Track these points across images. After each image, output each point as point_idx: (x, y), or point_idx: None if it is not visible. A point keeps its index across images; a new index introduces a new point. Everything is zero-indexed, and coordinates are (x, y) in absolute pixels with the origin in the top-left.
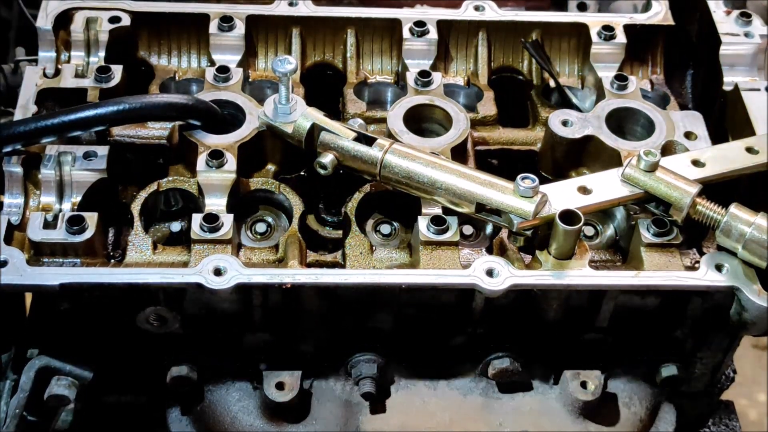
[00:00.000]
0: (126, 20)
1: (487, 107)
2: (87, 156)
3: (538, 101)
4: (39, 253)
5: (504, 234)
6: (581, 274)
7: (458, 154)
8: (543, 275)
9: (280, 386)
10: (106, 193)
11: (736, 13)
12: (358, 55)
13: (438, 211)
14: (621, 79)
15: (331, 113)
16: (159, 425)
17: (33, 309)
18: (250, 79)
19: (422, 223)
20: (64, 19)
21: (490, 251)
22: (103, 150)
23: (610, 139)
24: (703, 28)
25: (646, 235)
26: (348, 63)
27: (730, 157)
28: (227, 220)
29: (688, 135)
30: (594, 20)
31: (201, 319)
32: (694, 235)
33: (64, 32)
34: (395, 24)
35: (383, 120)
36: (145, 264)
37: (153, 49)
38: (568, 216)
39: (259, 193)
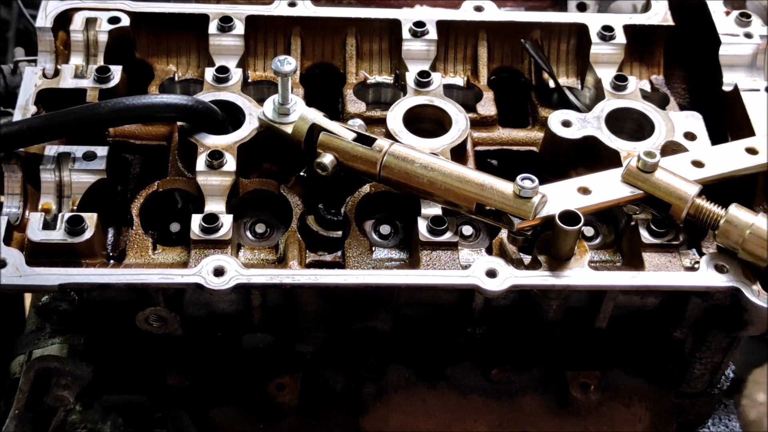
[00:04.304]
0: (125, 21)
1: (487, 107)
2: (86, 156)
3: (537, 101)
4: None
5: (503, 234)
6: (581, 274)
7: (458, 154)
8: (543, 276)
9: (280, 387)
10: (105, 194)
11: (735, 13)
12: (358, 56)
13: (437, 211)
14: (621, 80)
15: (330, 114)
16: (159, 425)
17: None
18: (249, 80)
19: (422, 223)
20: (63, 20)
21: (489, 252)
22: (102, 150)
23: (609, 140)
24: (703, 28)
25: (646, 235)
26: (348, 63)
27: (730, 158)
28: (227, 220)
29: (688, 135)
30: (594, 20)
31: (201, 320)
32: (694, 235)
33: (63, 33)
34: (395, 24)
35: (383, 120)
36: (144, 264)
37: (152, 49)
38: (568, 216)
39: (258, 193)
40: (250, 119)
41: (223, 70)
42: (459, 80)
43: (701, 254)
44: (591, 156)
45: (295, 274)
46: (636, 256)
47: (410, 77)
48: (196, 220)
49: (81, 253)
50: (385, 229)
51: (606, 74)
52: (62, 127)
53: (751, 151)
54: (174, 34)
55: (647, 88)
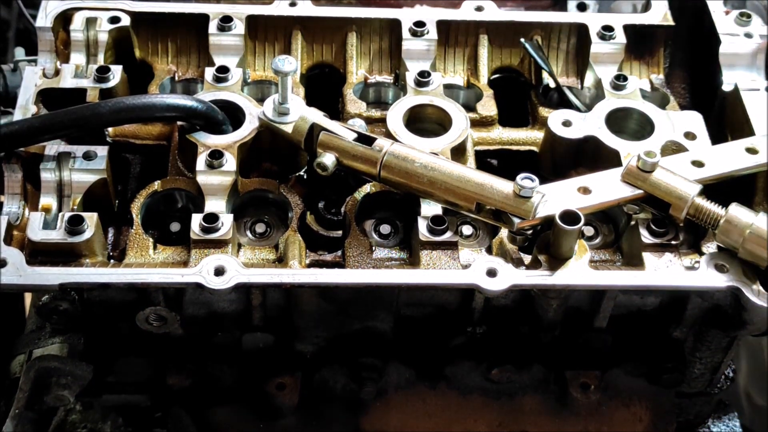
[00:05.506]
0: (125, 20)
1: (487, 107)
2: (87, 156)
3: (537, 101)
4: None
5: (504, 234)
6: (581, 274)
7: (458, 154)
8: (542, 275)
9: (280, 387)
10: (105, 193)
11: (735, 13)
12: (358, 55)
13: (438, 211)
14: (621, 79)
15: (330, 113)
16: (159, 425)
17: None
18: (249, 79)
19: (422, 223)
20: (63, 20)
21: (489, 251)
22: (102, 150)
23: (610, 139)
24: (703, 28)
25: (646, 235)
26: (348, 63)
27: (730, 157)
28: (227, 220)
29: (688, 135)
30: (594, 20)
31: (201, 320)
32: (694, 235)
33: (63, 32)
34: (395, 24)
35: (383, 120)
36: (144, 264)
37: (153, 49)
38: (568, 216)
39: (258, 193)
40: (250, 119)
41: (223, 69)
42: (459, 80)
43: (701, 254)
44: (591, 156)
45: (295, 274)
46: (636, 256)
47: (410, 77)
48: (196, 219)
49: (81, 252)
50: (385, 228)
51: (606, 74)
52: (62, 127)
53: (751, 151)
54: (174, 34)
55: (647, 87)
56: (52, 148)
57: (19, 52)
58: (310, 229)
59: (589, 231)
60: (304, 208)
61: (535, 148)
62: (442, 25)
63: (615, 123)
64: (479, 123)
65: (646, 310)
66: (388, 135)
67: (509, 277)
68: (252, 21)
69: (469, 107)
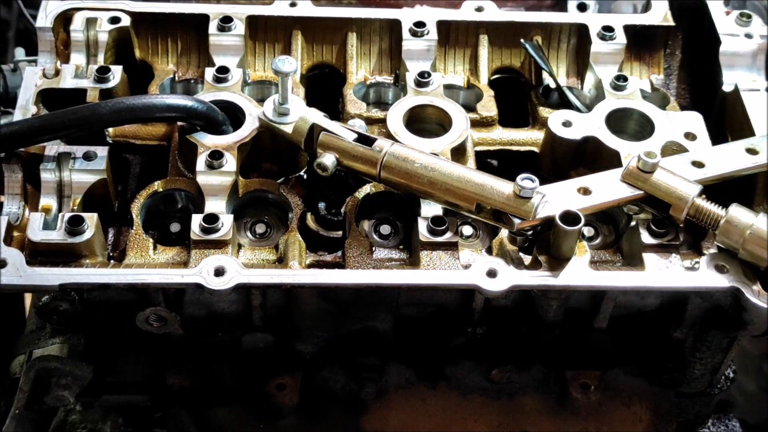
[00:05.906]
0: (126, 21)
1: (487, 107)
2: (87, 156)
3: (537, 101)
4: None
5: (504, 234)
6: (581, 274)
7: (458, 154)
8: (543, 276)
9: (280, 387)
10: (105, 194)
11: (736, 13)
12: (358, 56)
13: (438, 211)
14: (621, 80)
15: (331, 114)
16: (159, 425)
17: None
18: (249, 80)
19: (422, 223)
20: (63, 20)
21: (489, 252)
22: (102, 150)
23: (610, 140)
24: (703, 28)
25: (646, 235)
26: (348, 63)
27: (730, 158)
28: (227, 220)
29: (688, 135)
30: (594, 20)
31: (201, 320)
32: (694, 235)
33: (63, 33)
34: (395, 24)
35: (383, 120)
36: (144, 264)
37: (153, 49)
38: (569, 217)
39: (258, 193)
40: (250, 120)
41: (223, 70)
42: (459, 80)
43: (701, 254)
44: (591, 156)
45: (295, 274)
46: (636, 256)
47: (410, 77)
48: (196, 220)
49: (81, 253)
50: (385, 229)
51: (606, 74)
52: (62, 127)
53: (751, 151)
54: (174, 34)
55: (647, 88)
56: (52, 148)
57: (19, 52)
58: (310, 229)
59: (589, 231)
60: (304, 209)
61: (535, 149)
62: (442, 26)
63: (615, 123)
64: (479, 123)
65: (646, 310)
66: (389, 135)
67: (509, 277)
68: (252, 21)
69: (470, 108)
